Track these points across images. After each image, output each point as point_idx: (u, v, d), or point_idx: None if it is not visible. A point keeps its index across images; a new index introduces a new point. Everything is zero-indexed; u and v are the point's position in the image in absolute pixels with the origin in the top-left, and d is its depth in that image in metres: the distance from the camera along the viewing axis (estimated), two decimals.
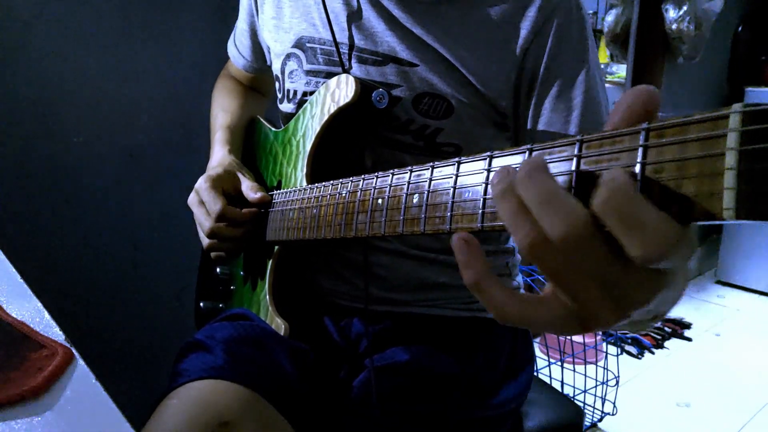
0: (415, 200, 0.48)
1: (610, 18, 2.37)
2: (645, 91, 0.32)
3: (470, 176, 0.42)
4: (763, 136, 0.26)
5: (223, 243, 0.83)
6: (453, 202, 0.43)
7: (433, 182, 0.46)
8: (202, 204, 0.82)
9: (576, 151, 0.35)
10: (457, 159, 0.44)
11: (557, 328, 0.35)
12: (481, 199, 0.41)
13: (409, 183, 0.49)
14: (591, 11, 2.89)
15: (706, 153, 0.28)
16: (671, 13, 2.22)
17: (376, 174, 0.54)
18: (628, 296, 0.32)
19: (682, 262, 0.31)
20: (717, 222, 0.29)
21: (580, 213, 0.31)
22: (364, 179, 0.56)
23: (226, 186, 0.84)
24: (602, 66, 2.67)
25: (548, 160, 0.36)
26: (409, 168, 0.49)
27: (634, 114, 0.32)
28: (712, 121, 0.28)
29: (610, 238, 0.30)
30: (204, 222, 0.82)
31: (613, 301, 0.32)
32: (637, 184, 0.31)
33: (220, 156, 0.91)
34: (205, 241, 0.85)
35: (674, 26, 2.22)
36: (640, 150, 0.31)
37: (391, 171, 0.52)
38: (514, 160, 0.39)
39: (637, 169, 0.31)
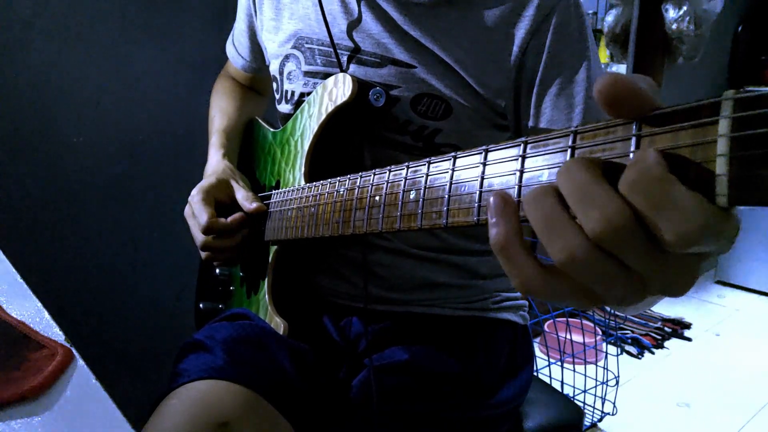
0: (411, 196, 0.48)
1: (610, 18, 2.37)
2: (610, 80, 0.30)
3: (466, 170, 0.43)
4: (755, 121, 0.26)
5: (218, 254, 0.83)
6: (449, 197, 0.43)
7: (429, 177, 0.46)
8: (194, 217, 0.82)
9: (570, 143, 0.35)
10: (453, 154, 0.44)
11: (579, 304, 0.33)
12: (477, 192, 0.41)
13: (406, 179, 0.49)
14: (591, 11, 2.89)
15: (698, 140, 0.29)
16: (671, 13, 2.22)
17: (373, 171, 0.54)
18: (666, 284, 0.30)
19: (726, 244, 0.29)
20: None
21: (619, 205, 0.29)
22: (361, 177, 0.56)
23: (220, 195, 0.84)
24: (602, 66, 2.67)
25: (544, 152, 0.36)
26: (406, 164, 0.49)
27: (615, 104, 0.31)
28: (704, 108, 0.28)
29: (647, 229, 0.29)
30: (195, 235, 0.82)
31: (646, 289, 0.31)
32: (666, 165, 0.28)
33: (214, 162, 0.90)
34: (202, 254, 0.85)
35: (674, 26, 2.22)
36: (633, 139, 0.31)
37: (388, 168, 0.52)
38: (510, 153, 0.39)
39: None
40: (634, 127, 0.32)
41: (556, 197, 0.31)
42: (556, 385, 1.63)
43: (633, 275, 0.30)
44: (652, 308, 2.61)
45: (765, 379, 2.10)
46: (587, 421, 1.76)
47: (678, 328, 2.43)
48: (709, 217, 0.27)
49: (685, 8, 2.20)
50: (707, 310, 2.66)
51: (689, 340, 2.39)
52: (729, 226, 0.28)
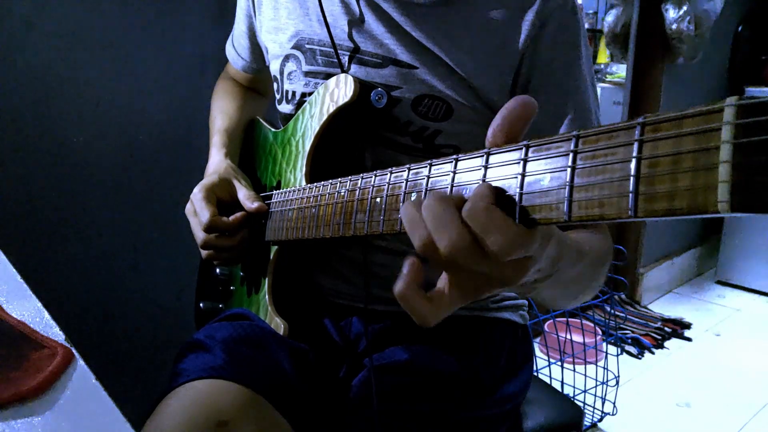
0: (413, 198, 0.48)
1: (610, 18, 2.37)
2: (519, 101, 0.39)
3: (467, 173, 0.42)
4: (758, 128, 0.26)
5: (219, 253, 0.83)
6: None
7: (431, 179, 0.46)
8: (196, 214, 0.82)
9: (573, 147, 0.35)
10: (454, 156, 0.44)
11: (462, 304, 0.43)
12: None
13: (407, 181, 0.49)
14: (591, 11, 2.89)
15: (701, 147, 0.28)
16: (671, 13, 2.22)
17: (374, 173, 0.54)
18: (506, 277, 0.39)
19: (538, 251, 0.39)
20: (712, 215, 0.28)
21: (461, 232, 0.38)
22: (362, 178, 0.56)
23: (221, 194, 0.84)
24: (602, 66, 2.67)
25: (546, 156, 0.37)
26: (407, 166, 0.49)
27: (510, 125, 0.40)
28: (706, 115, 0.28)
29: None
30: (197, 233, 0.82)
31: (496, 281, 0.40)
32: (493, 197, 0.38)
33: (216, 161, 0.90)
34: (202, 252, 0.85)
35: (674, 26, 2.22)
36: (636, 145, 0.31)
37: (390, 169, 0.52)
38: (512, 156, 0.39)
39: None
40: (637, 132, 0.31)
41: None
42: (556, 385, 1.63)
43: (480, 275, 0.40)
44: (652, 308, 2.60)
45: (765, 379, 2.10)
46: (587, 421, 1.76)
47: (678, 328, 2.43)
48: (518, 235, 0.37)
49: (685, 8, 2.20)
50: (707, 310, 2.66)
51: (689, 340, 2.39)
52: (532, 239, 0.37)
